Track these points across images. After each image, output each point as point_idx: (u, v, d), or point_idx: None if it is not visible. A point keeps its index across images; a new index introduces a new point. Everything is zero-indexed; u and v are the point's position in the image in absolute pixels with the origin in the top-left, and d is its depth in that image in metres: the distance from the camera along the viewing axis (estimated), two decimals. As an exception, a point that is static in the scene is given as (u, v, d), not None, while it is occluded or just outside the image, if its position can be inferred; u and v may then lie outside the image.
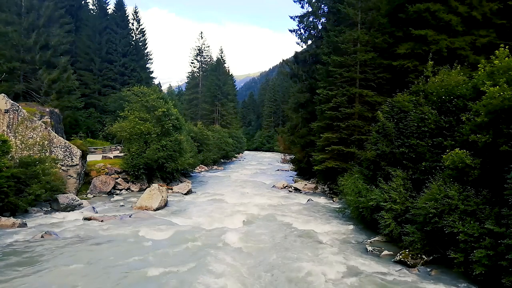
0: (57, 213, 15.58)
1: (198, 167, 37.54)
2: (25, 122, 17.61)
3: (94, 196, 20.20)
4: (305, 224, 14.65)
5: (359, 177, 15.05)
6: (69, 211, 15.89)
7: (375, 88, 20.10)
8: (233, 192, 22.97)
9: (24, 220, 13.39)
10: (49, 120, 21.36)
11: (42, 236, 11.50)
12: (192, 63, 69.56)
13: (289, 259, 10.12)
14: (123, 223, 13.97)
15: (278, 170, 41.56)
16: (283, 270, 9.36)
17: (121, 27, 46.08)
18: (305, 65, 29.77)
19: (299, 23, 29.07)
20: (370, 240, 12.28)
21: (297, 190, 24.81)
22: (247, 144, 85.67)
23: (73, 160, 19.31)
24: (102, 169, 22.23)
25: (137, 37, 49.12)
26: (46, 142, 18.12)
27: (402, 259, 10.10)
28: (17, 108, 18.17)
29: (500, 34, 16.54)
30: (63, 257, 9.83)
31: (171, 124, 24.99)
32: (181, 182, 26.31)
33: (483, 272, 8.03)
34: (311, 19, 29.03)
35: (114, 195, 20.86)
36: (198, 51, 68.97)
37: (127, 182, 22.84)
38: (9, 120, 17.89)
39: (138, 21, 49.53)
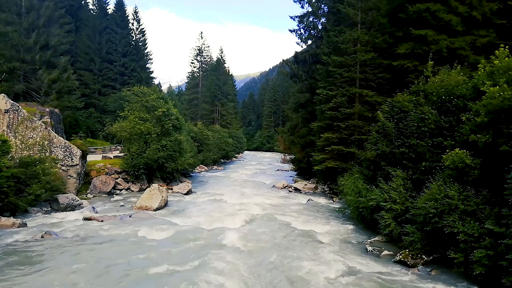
0: (57, 213, 15.58)
1: (198, 167, 37.54)
2: (25, 122, 17.61)
3: (94, 196, 20.21)
4: (305, 224, 14.66)
5: (359, 177, 15.06)
6: (69, 211, 15.89)
7: (375, 88, 20.10)
8: (233, 192, 22.97)
9: (24, 220, 13.39)
10: (49, 120, 21.36)
11: (42, 236, 11.51)
12: (192, 63, 69.62)
13: (289, 259, 10.12)
14: (123, 223, 13.97)
15: (278, 170, 41.56)
16: (283, 269, 9.37)
17: (121, 27, 46.08)
18: (305, 65, 29.77)
19: (299, 23, 29.09)
20: (370, 240, 12.29)
21: (297, 190, 24.81)
22: (247, 144, 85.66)
23: (73, 160, 19.31)
24: (102, 169, 22.23)
25: (137, 37, 49.12)
26: (46, 142, 18.12)
27: (402, 259, 10.10)
28: (17, 108, 18.17)
29: (500, 34, 16.54)
30: (63, 257, 9.83)
31: (171, 124, 24.99)
32: (181, 182, 26.31)
33: (483, 272, 8.03)
34: (311, 19, 29.05)
35: (114, 195, 20.86)
36: (198, 51, 68.99)
37: (127, 182, 22.84)
38: (9, 120, 17.89)
39: (138, 21, 49.55)
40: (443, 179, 10.09)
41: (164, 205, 17.66)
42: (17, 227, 12.63)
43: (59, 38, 29.97)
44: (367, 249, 11.48)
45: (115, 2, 47.04)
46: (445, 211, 9.23)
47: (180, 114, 29.35)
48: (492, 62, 9.94)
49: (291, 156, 36.16)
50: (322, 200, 20.75)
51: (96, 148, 31.21)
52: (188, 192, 22.50)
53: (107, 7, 48.23)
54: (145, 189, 19.78)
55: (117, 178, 22.38)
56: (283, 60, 35.31)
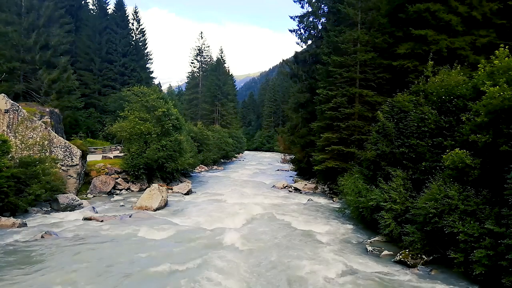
0: (57, 213, 15.58)
1: (198, 167, 37.54)
2: (25, 122, 17.61)
3: (94, 196, 20.21)
4: (305, 224, 14.66)
5: (359, 177, 15.06)
6: (69, 211, 15.89)
7: (375, 88, 20.10)
8: (233, 192, 22.98)
9: (24, 220, 13.39)
10: (49, 120, 21.36)
11: (42, 236, 11.51)
12: (192, 63, 69.64)
13: (289, 258, 10.12)
14: (123, 223, 13.97)
15: (278, 170, 41.56)
16: (283, 269, 9.38)
17: (121, 27, 46.08)
18: (305, 65, 29.77)
19: (299, 23, 29.09)
20: (370, 240, 12.29)
21: (297, 190, 24.81)
22: (247, 144, 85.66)
23: (73, 160, 19.32)
24: (102, 169, 22.23)
25: (137, 37, 49.12)
26: (46, 142, 18.12)
27: (402, 259, 10.10)
28: (17, 108, 18.17)
29: (500, 34, 16.54)
30: (63, 256, 9.83)
31: (171, 124, 24.99)
32: (181, 182, 26.32)
33: (483, 272, 8.03)
34: (311, 19, 29.05)
35: (114, 195, 20.86)
36: (198, 51, 69.00)
37: (127, 182, 22.84)
38: (9, 120, 17.89)
39: (138, 21, 49.55)
40: (443, 179, 10.09)
41: (164, 205, 17.66)
42: (17, 227, 12.63)
43: (59, 38, 29.97)
44: (367, 249, 11.48)
45: (115, 2, 47.08)
46: (445, 211, 9.23)
47: (180, 114, 29.35)
48: (492, 62, 9.94)
49: (291, 156, 36.16)
50: (322, 200, 20.76)
51: (96, 148, 31.21)
52: (188, 192, 22.51)
53: (107, 7, 48.26)
54: (145, 189, 19.78)
55: (117, 178, 22.38)
56: (283, 60, 35.32)
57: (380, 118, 13.84)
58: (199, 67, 69.44)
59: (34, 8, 27.72)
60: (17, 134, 16.70)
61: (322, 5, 28.33)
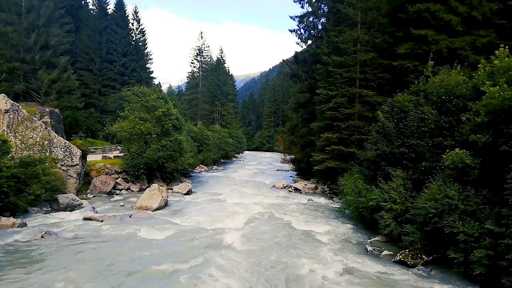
0: (57, 213, 15.58)
1: (198, 167, 37.54)
2: (25, 122, 17.62)
3: (94, 196, 20.21)
4: (305, 224, 14.67)
5: (359, 177, 15.06)
6: (69, 211, 15.89)
7: (375, 88, 20.11)
8: (233, 192, 22.99)
9: (24, 220, 13.40)
10: (49, 120, 21.36)
11: (42, 236, 11.51)
12: (192, 63, 69.63)
13: (289, 258, 10.13)
14: (123, 223, 13.97)
15: (278, 170, 41.56)
16: (283, 268, 9.39)
17: (121, 27, 46.07)
18: (305, 65, 29.78)
19: (299, 23, 29.09)
20: (370, 240, 12.29)
21: (297, 190, 24.82)
22: (247, 144, 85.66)
23: (73, 160, 19.32)
24: (102, 169, 22.23)
25: (137, 37, 49.11)
26: (46, 142, 18.13)
27: (402, 259, 10.11)
28: (17, 108, 18.18)
29: (500, 34, 16.55)
30: (64, 256, 9.84)
31: (171, 124, 25.00)
32: (181, 182, 26.32)
33: (483, 272, 8.04)
34: (311, 19, 29.05)
35: (114, 195, 20.86)
36: (198, 51, 68.99)
37: (127, 182, 22.84)
38: (9, 120, 17.89)
39: (138, 21, 49.54)
40: (443, 179, 10.10)
41: (164, 205, 17.67)
42: (17, 227, 12.63)
43: (59, 38, 29.97)
44: (367, 249, 11.48)
45: (115, 2, 47.07)
46: (445, 211, 9.24)
47: (180, 114, 29.36)
48: (492, 62, 9.94)
49: (291, 156, 36.16)
50: (322, 200, 20.76)
51: (96, 148, 31.21)
52: (188, 192, 22.51)
53: (107, 7, 48.25)
54: (145, 189, 19.78)
55: (117, 178, 22.38)
56: (283, 60, 35.33)
57: (380, 118, 13.84)
58: (199, 67, 69.44)
59: (34, 8, 27.71)
60: (17, 134, 16.71)
61: (322, 5, 28.34)
